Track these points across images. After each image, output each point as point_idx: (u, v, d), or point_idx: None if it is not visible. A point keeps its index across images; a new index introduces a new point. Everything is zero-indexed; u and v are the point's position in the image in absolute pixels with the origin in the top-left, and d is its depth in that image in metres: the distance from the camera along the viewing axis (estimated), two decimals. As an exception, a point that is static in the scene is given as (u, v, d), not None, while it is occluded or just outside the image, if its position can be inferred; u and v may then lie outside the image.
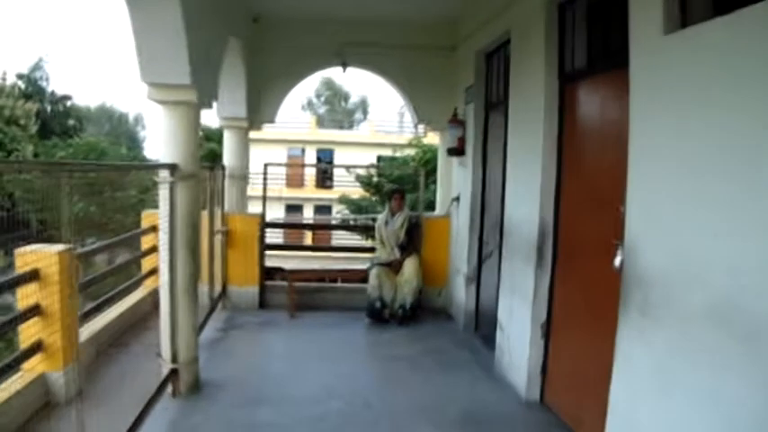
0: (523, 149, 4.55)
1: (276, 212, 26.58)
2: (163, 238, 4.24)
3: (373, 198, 20.14)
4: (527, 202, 4.41)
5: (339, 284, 7.34)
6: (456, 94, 6.77)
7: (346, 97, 50.08)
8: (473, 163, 6.10)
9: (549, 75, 4.15)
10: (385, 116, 44.75)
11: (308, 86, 56.09)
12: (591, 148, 3.76)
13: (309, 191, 29.09)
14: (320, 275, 7.35)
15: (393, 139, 27.43)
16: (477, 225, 6.13)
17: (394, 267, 6.63)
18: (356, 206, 20.78)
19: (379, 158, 27.42)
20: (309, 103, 48.31)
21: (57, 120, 29.63)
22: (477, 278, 6.17)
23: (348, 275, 7.22)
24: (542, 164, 4.16)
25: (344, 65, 7.13)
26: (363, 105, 50.29)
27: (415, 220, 6.90)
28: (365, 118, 45.37)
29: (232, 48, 6.23)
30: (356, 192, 21.18)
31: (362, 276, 6.78)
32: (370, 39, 6.98)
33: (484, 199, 6.10)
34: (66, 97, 30.89)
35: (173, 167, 4.19)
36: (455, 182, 6.91)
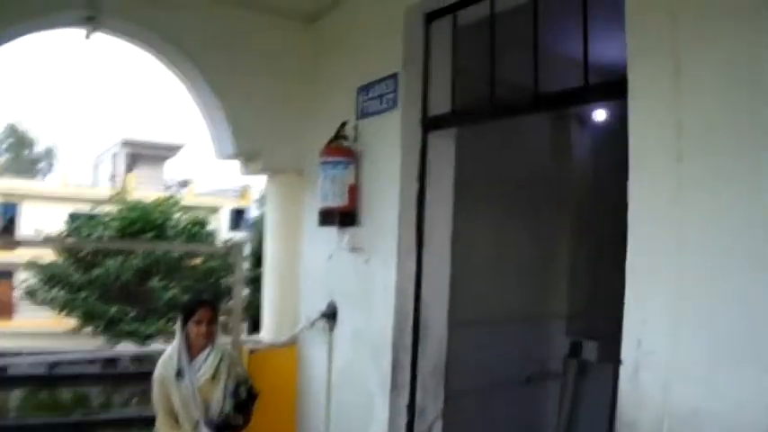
0: None
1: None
2: None
3: (66, 262, 16.64)
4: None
5: None
6: (323, 104, 3.46)
7: (31, 144, 41.59)
8: (398, 243, 2.83)
9: None
10: (76, 168, 38.76)
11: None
12: None
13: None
14: None
15: (87, 194, 23.68)
16: (406, 377, 2.82)
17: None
18: (48, 274, 16.60)
19: (73, 216, 22.43)
20: (-8, 152, 38.98)
21: None
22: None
23: None
24: None
25: (92, 22, 3.14)
26: (49, 155, 42.09)
27: (242, 372, 3.10)
28: (51, 169, 38.51)
29: None
30: (47, 255, 16.77)
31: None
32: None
33: (418, 321, 2.85)
34: None
35: None
36: (318, 280, 3.45)
